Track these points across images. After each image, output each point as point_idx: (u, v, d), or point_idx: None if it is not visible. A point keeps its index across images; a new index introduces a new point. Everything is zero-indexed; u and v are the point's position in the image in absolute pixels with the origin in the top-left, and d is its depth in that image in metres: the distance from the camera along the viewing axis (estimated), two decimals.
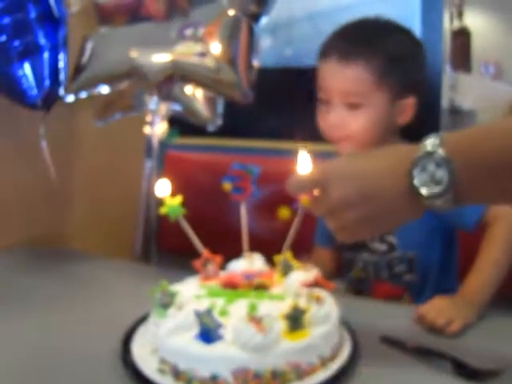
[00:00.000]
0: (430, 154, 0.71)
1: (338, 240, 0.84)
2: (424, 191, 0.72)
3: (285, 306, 0.80)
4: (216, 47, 1.34)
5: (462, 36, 2.29)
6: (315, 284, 0.91)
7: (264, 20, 1.41)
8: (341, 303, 0.90)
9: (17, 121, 1.52)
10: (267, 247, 0.97)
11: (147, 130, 1.48)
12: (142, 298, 0.89)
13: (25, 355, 0.92)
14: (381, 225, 0.80)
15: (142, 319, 0.94)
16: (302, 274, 0.93)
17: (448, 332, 0.97)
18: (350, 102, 1.18)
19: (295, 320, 0.79)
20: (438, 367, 0.85)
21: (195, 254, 0.96)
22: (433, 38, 1.96)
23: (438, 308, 1.02)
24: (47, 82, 1.42)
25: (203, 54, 1.34)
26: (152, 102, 1.43)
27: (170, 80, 1.38)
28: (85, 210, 1.76)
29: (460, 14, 2.25)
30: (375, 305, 1.20)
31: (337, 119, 1.19)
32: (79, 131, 1.73)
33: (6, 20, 1.32)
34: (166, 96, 1.42)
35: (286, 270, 0.96)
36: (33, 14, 1.36)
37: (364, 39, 1.18)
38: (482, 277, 1.09)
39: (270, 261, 0.98)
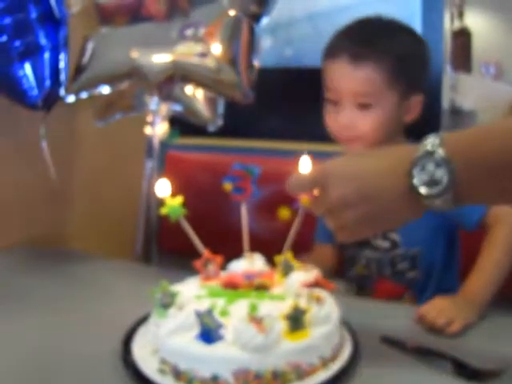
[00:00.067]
0: (429, 154, 0.71)
1: (338, 240, 0.84)
2: (423, 191, 0.72)
3: (285, 307, 0.80)
4: (216, 47, 1.34)
5: (463, 36, 2.29)
6: (316, 284, 0.91)
7: (265, 20, 1.41)
8: (341, 303, 0.90)
9: (17, 121, 1.52)
10: (268, 247, 0.97)
11: (148, 130, 1.48)
12: (142, 299, 0.89)
13: (25, 355, 0.92)
14: (380, 225, 0.80)
15: (143, 319, 0.94)
16: (303, 275, 0.93)
17: (448, 332, 0.97)
18: (360, 103, 1.18)
19: (296, 320, 0.79)
20: (438, 367, 0.85)
21: (196, 255, 0.96)
22: (433, 38, 1.96)
23: (438, 308, 1.02)
24: (48, 83, 1.42)
25: (204, 55, 1.34)
26: (152, 102, 1.43)
27: (171, 80, 1.38)
28: (85, 210, 1.76)
29: (460, 15, 2.25)
30: (375, 305, 1.20)
31: (347, 120, 1.19)
32: (79, 131, 1.73)
33: (7, 20, 1.32)
34: (167, 96, 1.42)
35: (287, 270, 0.96)
36: (33, 15, 1.36)
37: (373, 40, 1.18)
38: (483, 277, 1.09)
39: (271, 261, 0.98)
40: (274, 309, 0.81)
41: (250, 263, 0.97)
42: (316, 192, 0.82)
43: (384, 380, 0.84)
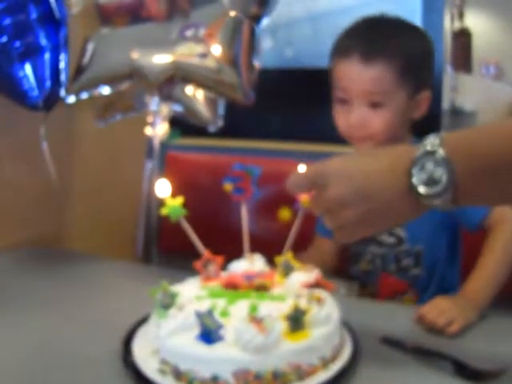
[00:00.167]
0: (429, 154, 0.71)
1: (337, 240, 0.84)
2: (422, 190, 0.72)
3: (285, 307, 0.80)
4: (217, 48, 1.34)
5: (463, 37, 2.29)
6: (316, 285, 0.92)
7: (265, 21, 1.41)
8: (341, 304, 0.90)
9: (17, 121, 1.52)
10: (268, 248, 0.97)
11: (148, 130, 1.48)
12: (142, 299, 0.89)
13: (25, 356, 0.92)
14: (379, 224, 0.80)
15: (143, 320, 0.94)
16: (303, 275, 0.93)
17: (448, 332, 0.97)
18: (371, 101, 1.18)
19: (296, 321, 0.79)
20: (438, 368, 0.85)
21: (196, 255, 0.96)
22: (433, 38, 1.95)
23: (439, 308, 1.02)
24: (48, 83, 1.42)
25: (204, 55, 1.34)
26: (153, 102, 1.43)
27: (171, 81, 1.38)
28: (85, 210, 1.76)
29: (461, 15, 2.25)
30: (376, 305, 1.21)
31: (358, 119, 1.19)
32: (80, 132, 1.73)
33: (7, 21, 1.32)
34: (167, 97, 1.42)
35: (287, 270, 0.96)
36: (34, 15, 1.36)
37: (383, 39, 1.19)
38: (483, 277, 1.09)
39: (271, 261, 0.98)
40: (275, 309, 0.81)
41: (251, 264, 0.98)
42: (314, 191, 0.81)
43: (384, 380, 0.84)
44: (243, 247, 0.99)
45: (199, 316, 0.77)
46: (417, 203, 0.73)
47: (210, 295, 0.90)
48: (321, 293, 0.88)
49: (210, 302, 0.86)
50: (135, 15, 1.41)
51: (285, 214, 0.99)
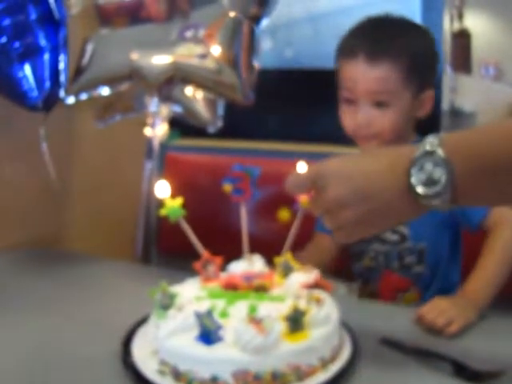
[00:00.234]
0: (428, 154, 0.71)
1: (336, 241, 0.84)
2: (420, 190, 0.72)
3: (285, 308, 0.80)
4: (216, 49, 1.34)
5: (463, 37, 2.29)
6: (315, 285, 0.92)
7: (265, 22, 1.41)
8: (341, 304, 0.90)
9: (17, 122, 1.52)
10: (267, 248, 0.97)
11: (147, 131, 1.48)
12: (142, 300, 0.89)
13: (25, 356, 0.92)
14: (378, 225, 0.80)
15: (142, 320, 0.94)
16: (302, 276, 0.93)
17: (447, 332, 0.97)
18: (377, 101, 1.19)
19: (295, 321, 0.79)
20: (438, 369, 0.85)
21: (195, 256, 0.96)
22: None
23: (438, 308, 1.02)
24: (47, 84, 1.42)
25: (204, 56, 1.34)
26: (152, 103, 1.43)
27: (171, 82, 1.38)
28: (85, 210, 1.76)
29: (460, 16, 2.26)
30: (375, 306, 1.21)
31: (365, 118, 1.20)
32: (79, 132, 1.73)
33: (7, 21, 1.32)
34: (167, 97, 1.42)
35: (286, 271, 0.96)
36: (33, 16, 1.36)
37: (389, 39, 1.20)
38: (483, 278, 1.09)
39: (270, 262, 0.98)
40: (274, 310, 0.81)
41: (250, 264, 0.98)
42: (313, 192, 0.81)
43: (383, 381, 0.84)
44: (242, 248, 0.99)
45: (198, 317, 0.77)
46: (416, 203, 0.73)
47: (210, 296, 0.90)
48: (320, 293, 0.89)
49: (210, 302, 0.86)
50: (135, 16, 1.41)
51: (284, 214, 0.98)
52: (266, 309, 0.81)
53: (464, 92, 2.26)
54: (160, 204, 0.96)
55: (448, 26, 2.18)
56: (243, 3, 1.38)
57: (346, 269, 1.40)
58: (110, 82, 1.43)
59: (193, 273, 0.97)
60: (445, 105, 2.08)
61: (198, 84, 1.39)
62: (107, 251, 1.61)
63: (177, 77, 1.37)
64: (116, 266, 1.45)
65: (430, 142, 0.72)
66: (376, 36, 1.20)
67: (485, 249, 1.14)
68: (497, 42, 2.35)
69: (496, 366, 0.83)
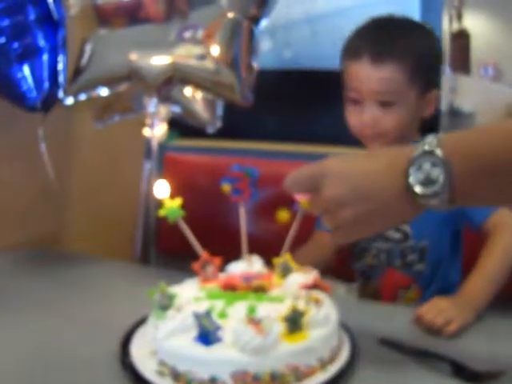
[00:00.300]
0: (427, 154, 0.71)
1: (334, 241, 0.84)
2: (418, 189, 0.72)
3: (284, 308, 0.80)
4: (215, 49, 1.34)
5: (462, 38, 2.30)
6: (314, 286, 0.91)
7: (263, 22, 1.41)
8: (339, 305, 0.90)
9: (16, 123, 1.52)
10: (266, 249, 0.97)
11: (146, 131, 1.48)
12: (140, 300, 0.89)
13: (23, 357, 0.92)
14: (377, 225, 0.80)
15: (141, 321, 0.94)
16: (301, 276, 0.93)
17: (446, 332, 0.98)
18: (382, 101, 1.20)
19: (294, 322, 0.79)
20: (436, 369, 0.85)
21: (194, 256, 0.96)
22: None
23: (437, 308, 1.02)
24: (46, 84, 1.42)
25: (203, 57, 1.34)
26: (151, 104, 1.43)
27: (169, 82, 1.38)
28: (83, 211, 1.76)
29: (459, 16, 2.26)
30: (374, 307, 1.21)
31: (370, 118, 1.20)
32: (78, 133, 1.73)
33: (5, 22, 1.32)
34: (166, 98, 1.42)
35: (285, 272, 0.96)
36: (32, 16, 1.36)
37: (393, 40, 1.20)
38: (482, 279, 1.10)
39: (269, 263, 0.98)
40: (273, 311, 0.81)
41: (249, 265, 0.97)
42: (312, 191, 0.81)
43: (382, 382, 0.84)
44: (241, 248, 0.98)
45: (197, 317, 0.77)
46: (414, 203, 0.73)
47: (208, 296, 0.90)
48: (319, 294, 0.88)
49: (208, 303, 0.86)
50: (133, 16, 1.41)
51: (283, 215, 0.98)
52: (264, 309, 0.81)
53: (463, 92, 2.27)
54: (159, 204, 0.96)
55: (447, 26, 2.18)
56: (242, 4, 1.38)
57: (346, 268, 1.40)
58: (108, 82, 1.43)
59: (191, 273, 0.97)
60: (444, 105, 2.08)
61: (197, 84, 1.39)
62: (106, 251, 1.61)
63: (176, 77, 1.37)
64: (115, 266, 1.45)
65: (429, 142, 0.72)
66: (380, 37, 1.21)
67: (484, 251, 1.14)
68: (496, 43, 2.36)
69: (495, 367, 0.83)
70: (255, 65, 1.41)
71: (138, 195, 1.56)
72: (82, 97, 1.45)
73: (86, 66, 1.42)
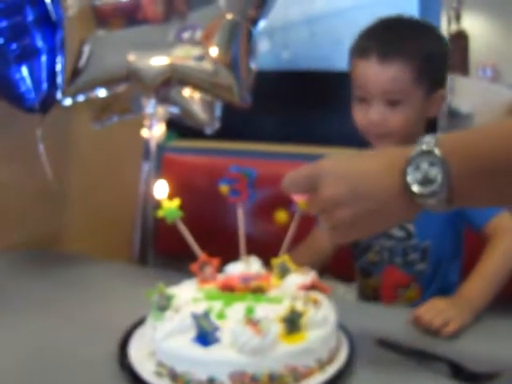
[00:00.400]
0: (425, 153, 0.71)
1: (332, 241, 0.84)
2: (416, 189, 0.72)
3: (282, 309, 0.80)
4: (214, 50, 1.34)
5: (460, 39, 2.30)
6: (312, 287, 0.92)
7: (262, 24, 1.42)
8: (338, 306, 0.90)
9: (14, 123, 1.52)
10: (264, 250, 0.97)
11: (145, 132, 1.48)
12: (139, 301, 0.89)
13: (22, 357, 0.92)
14: (374, 225, 0.79)
15: (139, 322, 0.94)
16: (299, 277, 0.93)
17: (444, 333, 0.98)
18: (389, 100, 1.20)
19: (292, 323, 0.79)
20: (434, 370, 0.85)
21: (192, 257, 0.96)
22: None
23: (435, 309, 1.02)
24: (45, 85, 1.42)
25: (201, 58, 1.34)
26: (149, 105, 1.43)
27: (168, 83, 1.38)
28: (82, 212, 1.76)
29: (458, 18, 2.26)
30: (372, 307, 1.21)
31: (377, 116, 1.21)
32: (76, 134, 1.73)
33: (4, 23, 1.32)
34: (164, 99, 1.42)
35: (283, 272, 0.96)
36: (30, 17, 1.36)
37: (401, 40, 1.21)
38: (481, 281, 1.10)
39: (267, 264, 0.98)
40: (271, 311, 0.81)
41: (247, 266, 0.97)
42: (310, 191, 0.81)
43: (380, 383, 0.84)
44: (239, 249, 0.98)
45: (195, 318, 0.77)
46: (412, 203, 0.73)
47: (207, 297, 0.90)
48: (317, 295, 0.88)
49: (207, 304, 0.86)
50: (132, 17, 1.41)
51: (281, 216, 0.98)
52: (263, 310, 0.81)
53: (461, 93, 2.27)
54: (157, 205, 0.96)
55: (445, 27, 2.19)
56: (241, 5, 1.38)
57: (345, 268, 1.40)
58: (106, 83, 1.43)
59: (190, 274, 0.97)
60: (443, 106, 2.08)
61: (195, 85, 1.39)
62: (104, 252, 1.61)
63: (174, 78, 1.37)
64: (113, 267, 1.45)
65: (427, 142, 0.72)
66: (388, 37, 1.22)
67: (484, 253, 1.15)
68: (494, 44, 2.36)
69: (493, 368, 0.83)
70: (253, 66, 1.41)
71: (136, 196, 1.56)
72: (81, 98, 1.45)
73: (85, 67, 1.42)
